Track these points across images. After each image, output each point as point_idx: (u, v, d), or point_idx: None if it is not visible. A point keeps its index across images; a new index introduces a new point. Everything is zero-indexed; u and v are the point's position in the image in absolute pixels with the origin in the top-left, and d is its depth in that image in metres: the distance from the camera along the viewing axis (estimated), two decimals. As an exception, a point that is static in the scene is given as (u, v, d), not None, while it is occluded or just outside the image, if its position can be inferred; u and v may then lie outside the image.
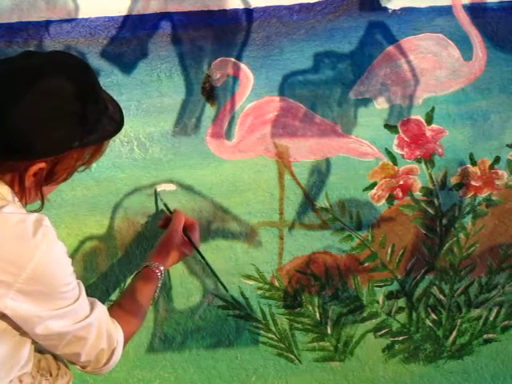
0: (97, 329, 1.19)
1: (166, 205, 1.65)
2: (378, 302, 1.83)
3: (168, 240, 1.52)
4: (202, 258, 1.62)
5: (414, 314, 1.85)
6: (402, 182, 1.78)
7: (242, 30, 1.66)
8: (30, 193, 1.17)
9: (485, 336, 1.88)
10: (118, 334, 1.26)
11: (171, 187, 1.70)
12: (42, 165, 1.11)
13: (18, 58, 1.14)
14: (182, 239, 1.53)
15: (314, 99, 1.72)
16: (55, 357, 1.30)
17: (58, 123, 1.09)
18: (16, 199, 1.15)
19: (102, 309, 1.23)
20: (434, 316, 1.86)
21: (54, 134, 1.09)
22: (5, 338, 1.13)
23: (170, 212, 1.63)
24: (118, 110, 1.23)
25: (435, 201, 1.80)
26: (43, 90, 1.08)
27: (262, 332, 1.80)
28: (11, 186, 1.14)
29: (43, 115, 1.08)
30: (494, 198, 1.82)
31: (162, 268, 1.44)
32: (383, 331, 1.85)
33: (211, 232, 1.73)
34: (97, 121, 1.14)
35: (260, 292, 1.78)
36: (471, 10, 1.72)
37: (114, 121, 1.19)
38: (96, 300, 1.23)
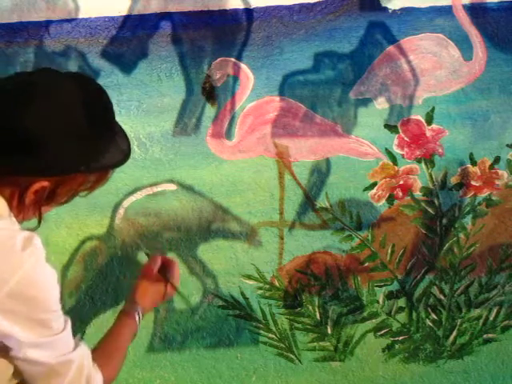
0: (77, 368, 1.16)
1: (147, 253, 1.56)
2: (378, 302, 1.83)
3: (141, 282, 1.45)
4: (181, 295, 1.50)
5: (414, 314, 1.85)
6: (402, 182, 1.78)
7: (242, 30, 1.67)
8: (28, 210, 1.14)
9: (485, 336, 1.88)
10: (98, 379, 1.22)
11: (171, 187, 1.70)
12: (45, 183, 1.09)
13: (36, 72, 1.12)
14: (157, 280, 1.46)
15: (314, 99, 1.72)
16: None
17: (69, 143, 1.07)
18: (12, 215, 1.12)
19: (86, 350, 1.19)
20: (434, 316, 1.86)
21: (63, 154, 1.07)
22: None
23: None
24: (126, 140, 1.21)
25: (435, 201, 1.80)
26: (58, 108, 1.07)
27: (261, 332, 1.80)
28: (10, 200, 1.11)
29: (55, 133, 1.06)
30: (494, 197, 1.82)
31: (139, 311, 1.40)
32: (383, 331, 1.84)
33: (211, 232, 1.73)
34: (106, 148, 1.13)
35: (260, 292, 1.78)
36: (471, 10, 1.72)
37: (121, 150, 1.17)
38: (82, 341, 1.20)
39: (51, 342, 1.10)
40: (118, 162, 1.16)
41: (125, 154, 1.17)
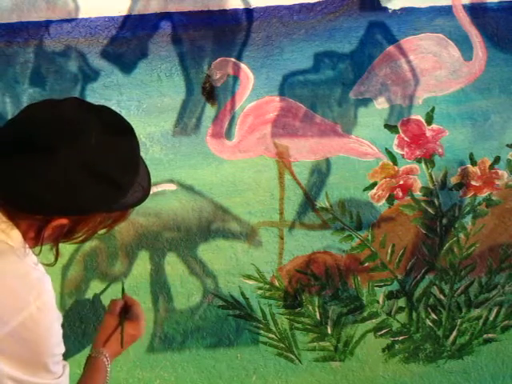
0: None
1: (123, 289, 1.56)
2: (378, 302, 1.83)
3: (104, 326, 1.43)
4: (122, 338, 1.45)
5: (414, 314, 1.85)
6: (402, 182, 1.78)
7: (242, 30, 1.67)
8: (44, 242, 1.10)
9: (485, 336, 1.88)
10: None
11: (171, 187, 1.70)
12: (65, 221, 1.06)
13: (68, 106, 1.07)
14: (119, 323, 1.43)
15: (313, 99, 1.72)
16: None
17: (92, 185, 1.03)
18: (26, 246, 1.09)
19: None
20: (434, 316, 1.86)
21: (84, 194, 1.03)
22: None
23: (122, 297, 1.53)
24: (148, 176, 1.17)
25: (435, 201, 1.80)
26: (84, 149, 1.02)
27: (261, 332, 1.80)
28: (26, 232, 1.08)
29: (79, 173, 1.02)
30: (494, 197, 1.82)
31: (106, 355, 1.37)
32: (383, 331, 1.84)
33: (211, 232, 1.73)
34: (128, 188, 1.09)
35: (260, 292, 1.78)
36: (471, 9, 1.72)
37: (142, 187, 1.13)
38: None
39: None
40: (139, 201, 1.13)
41: (144, 191, 1.14)
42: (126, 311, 1.47)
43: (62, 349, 1.12)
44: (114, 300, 1.48)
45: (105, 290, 1.66)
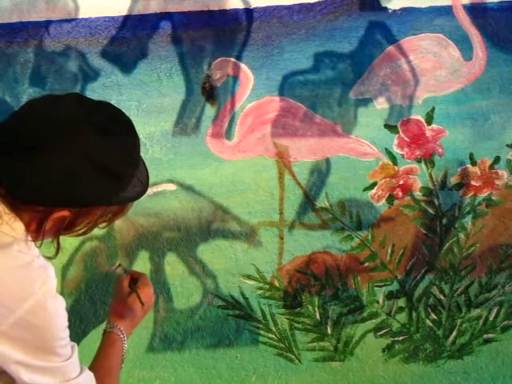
0: None
1: (125, 269, 1.54)
2: (378, 302, 1.83)
3: (115, 301, 1.44)
4: (141, 301, 1.46)
5: (414, 314, 1.85)
6: (401, 182, 1.78)
7: (242, 30, 1.67)
8: (46, 234, 1.12)
9: (485, 336, 1.88)
10: None
11: (171, 187, 1.70)
12: (66, 213, 1.08)
13: (69, 101, 1.10)
14: (130, 295, 1.44)
15: (314, 99, 1.72)
16: None
17: (93, 177, 1.06)
18: (29, 238, 1.11)
19: (90, 375, 1.20)
20: (434, 316, 1.86)
21: (85, 186, 1.06)
22: None
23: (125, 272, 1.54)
24: (146, 171, 1.20)
25: (435, 201, 1.80)
26: (84, 144, 1.05)
27: (262, 332, 1.80)
28: (28, 224, 1.10)
29: (80, 167, 1.04)
30: (494, 197, 1.82)
31: (121, 328, 1.38)
32: (383, 331, 1.84)
33: (211, 232, 1.74)
34: (129, 181, 1.12)
35: (260, 292, 1.78)
36: (471, 9, 1.72)
37: (141, 182, 1.16)
38: (85, 366, 1.21)
39: (58, 367, 1.11)
40: (138, 195, 1.16)
41: (143, 186, 1.17)
42: (135, 283, 1.48)
43: (68, 331, 1.14)
44: (121, 275, 1.50)
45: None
